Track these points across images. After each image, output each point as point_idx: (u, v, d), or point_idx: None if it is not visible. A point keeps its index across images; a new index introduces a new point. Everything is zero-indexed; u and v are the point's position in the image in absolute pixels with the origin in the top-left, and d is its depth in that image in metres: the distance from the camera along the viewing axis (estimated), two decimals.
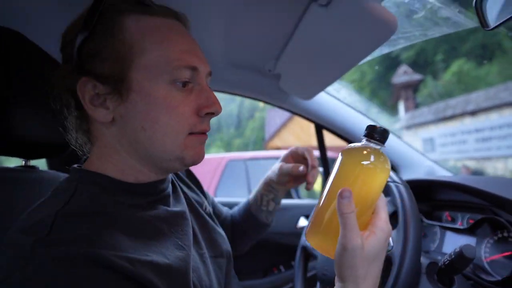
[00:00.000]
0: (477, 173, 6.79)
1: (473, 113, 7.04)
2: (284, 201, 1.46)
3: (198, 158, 0.48)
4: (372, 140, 0.40)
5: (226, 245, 0.63)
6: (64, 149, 0.66)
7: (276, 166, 0.76)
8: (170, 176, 0.56)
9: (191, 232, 0.51)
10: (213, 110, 0.46)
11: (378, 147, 0.40)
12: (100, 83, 0.43)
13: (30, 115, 0.55)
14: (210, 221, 0.63)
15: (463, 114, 7.27)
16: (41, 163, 0.77)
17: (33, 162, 0.69)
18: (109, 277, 0.34)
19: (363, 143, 0.40)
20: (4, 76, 0.51)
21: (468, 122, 7.16)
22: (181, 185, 0.63)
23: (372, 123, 0.40)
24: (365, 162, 0.38)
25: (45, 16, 0.68)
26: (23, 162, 0.68)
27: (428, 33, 0.74)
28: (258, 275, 1.38)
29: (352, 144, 0.41)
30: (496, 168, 6.63)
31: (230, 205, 1.41)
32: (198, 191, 0.69)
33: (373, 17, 0.60)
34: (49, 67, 0.62)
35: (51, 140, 0.61)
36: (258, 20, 0.77)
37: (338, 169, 0.41)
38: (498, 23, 0.56)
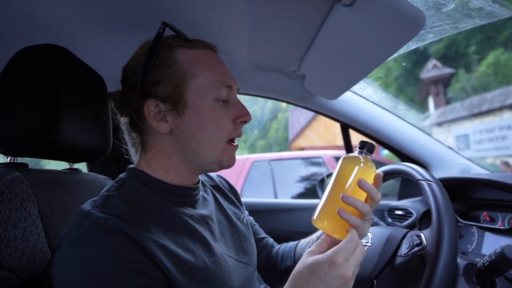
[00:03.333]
0: None
1: None
2: (309, 201, 1.46)
3: (232, 163, 0.59)
4: (363, 151, 0.53)
5: (254, 256, 0.70)
6: (102, 154, 0.71)
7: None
8: (201, 185, 0.66)
9: (210, 234, 0.59)
10: (246, 119, 0.59)
11: (368, 156, 0.53)
12: (161, 102, 0.55)
13: (75, 124, 0.60)
14: (245, 231, 0.71)
15: (501, 108, 6.75)
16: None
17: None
18: (129, 245, 0.45)
19: (357, 152, 0.53)
20: (53, 89, 0.56)
21: (508, 117, 6.64)
22: (219, 197, 0.73)
23: (364, 139, 0.53)
24: (358, 166, 0.51)
25: (87, 35, 0.76)
26: (68, 165, 0.74)
27: (460, 26, 0.71)
28: None
29: (350, 154, 0.54)
30: None
31: (256, 205, 1.44)
32: (239, 206, 0.78)
33: (399, 14, 0.59)
34: (91, 79, 0.68)
35: (92, 146, 0.66)
36: (282, 22, 0.78)
37: (339, 170, 0.52)
38: None
